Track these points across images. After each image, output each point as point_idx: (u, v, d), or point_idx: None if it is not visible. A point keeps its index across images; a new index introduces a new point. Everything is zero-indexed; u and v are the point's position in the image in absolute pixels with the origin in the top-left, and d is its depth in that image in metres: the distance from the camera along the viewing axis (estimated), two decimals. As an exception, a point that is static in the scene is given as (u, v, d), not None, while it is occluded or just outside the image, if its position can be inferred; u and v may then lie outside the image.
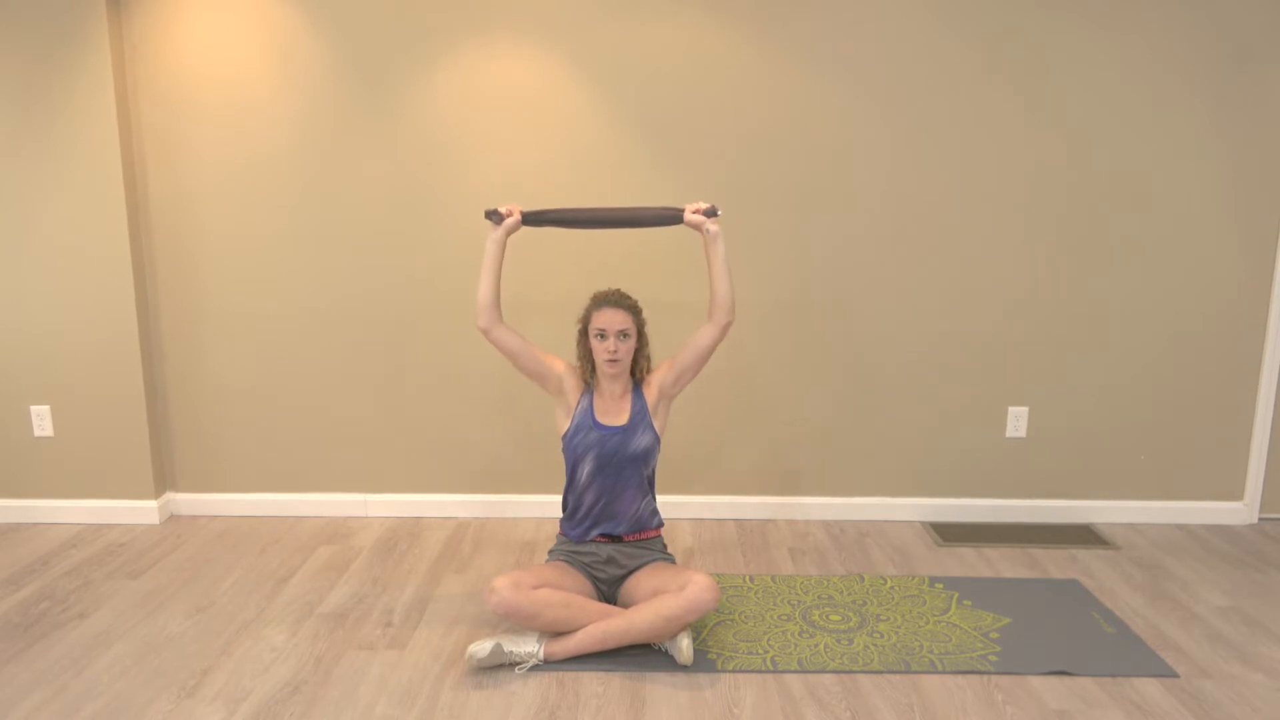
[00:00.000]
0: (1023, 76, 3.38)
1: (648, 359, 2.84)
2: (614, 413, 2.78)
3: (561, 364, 2.82)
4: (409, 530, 3.61)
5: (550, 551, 2.87)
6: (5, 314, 3.54)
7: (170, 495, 3.76)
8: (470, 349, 3.54)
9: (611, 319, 2.71)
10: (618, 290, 2.80)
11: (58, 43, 3.32)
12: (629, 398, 2.80)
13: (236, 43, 3.40)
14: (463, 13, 3.37)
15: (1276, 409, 3.62)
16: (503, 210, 2.74)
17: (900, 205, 3.48)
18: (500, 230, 2.74)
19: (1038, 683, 2.52)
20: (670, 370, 2.81)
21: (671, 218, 2.73)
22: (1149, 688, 2.49)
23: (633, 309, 2.76)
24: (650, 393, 2.81)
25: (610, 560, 2.77)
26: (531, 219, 2.75)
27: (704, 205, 2.71)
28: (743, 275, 3.50)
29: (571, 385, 2.80)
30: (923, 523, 3.70)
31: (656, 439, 2.78)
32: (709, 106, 3.42)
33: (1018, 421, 3.64)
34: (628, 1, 3.35)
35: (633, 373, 2.84)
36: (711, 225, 2.70)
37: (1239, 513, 3.70)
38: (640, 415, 2.76)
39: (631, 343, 2.74)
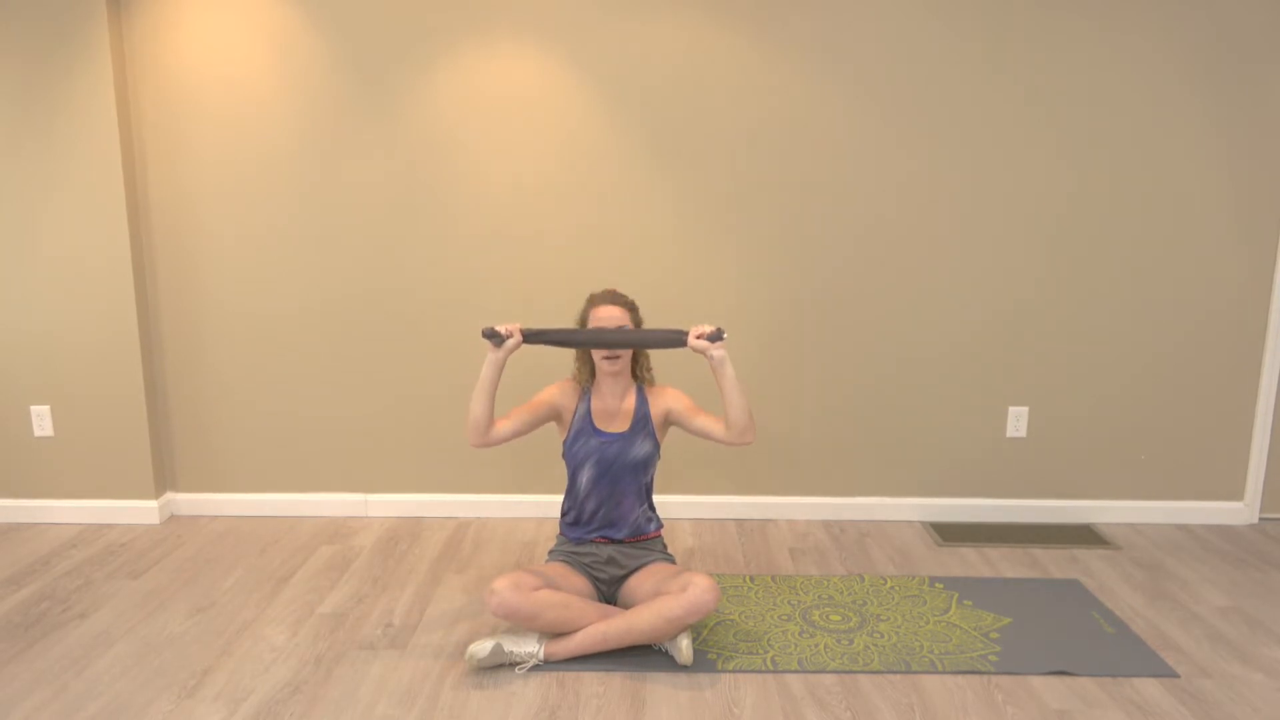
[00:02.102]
0: (1023, 76, 3.38)
1: (648, 357, 2.84)
2: (614, 418, 2.77)
3: (551, 390, 2.80)
4: (409, 530, 3.61)
5: (550, 552, 2.87)
6: (5, 314, 3.54)
7: (170, 495, 3.76)
8: (470, 348, 3.54)
9: (608, 314, 2.71)
10: (613, 289, 2.81)
11: (58, 43, 3.32)
12: (631, 400, 2.79)
13: (236, 42, 3.40)
14: (463, 13, 3.37)
15: (1276, 409, 3.62)
16: (502, 331, 2.61)
17: (901, 205, 3.48)
18: (501, 352, 2.63)
19: (1038, 683, 2.52)
20: (678, 404, 2.76)
21: (675, 341, 2.61)
22: (1149, 688, 2.49)
23: (629, 305, 2.77)
24: (657, 406, 2.78)
25: (610, 560, 2.77)
26: (532, 337, 2.65)
27: (708, 329, 2.57)
28: (743, 274, 3.51)
29: (568, 400, 2.79)
30: (923, 523, 3.70)
31: (656, 447, 2.77)
32: (709, 106, 3.42)
33: (1018, 421, 3.64)
34: (628, 1, 3.35)
35: (635, 374, 2.84)
36: (715, 351, 2.56)
37: (1239, 513, 3.70)
38: (642, 423, 2.76)
39: None
